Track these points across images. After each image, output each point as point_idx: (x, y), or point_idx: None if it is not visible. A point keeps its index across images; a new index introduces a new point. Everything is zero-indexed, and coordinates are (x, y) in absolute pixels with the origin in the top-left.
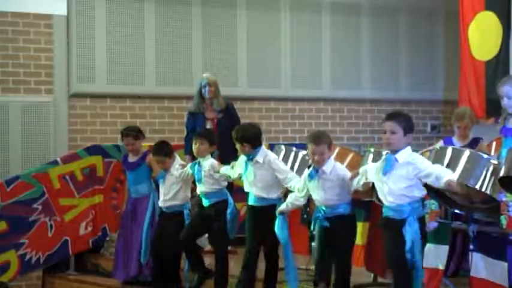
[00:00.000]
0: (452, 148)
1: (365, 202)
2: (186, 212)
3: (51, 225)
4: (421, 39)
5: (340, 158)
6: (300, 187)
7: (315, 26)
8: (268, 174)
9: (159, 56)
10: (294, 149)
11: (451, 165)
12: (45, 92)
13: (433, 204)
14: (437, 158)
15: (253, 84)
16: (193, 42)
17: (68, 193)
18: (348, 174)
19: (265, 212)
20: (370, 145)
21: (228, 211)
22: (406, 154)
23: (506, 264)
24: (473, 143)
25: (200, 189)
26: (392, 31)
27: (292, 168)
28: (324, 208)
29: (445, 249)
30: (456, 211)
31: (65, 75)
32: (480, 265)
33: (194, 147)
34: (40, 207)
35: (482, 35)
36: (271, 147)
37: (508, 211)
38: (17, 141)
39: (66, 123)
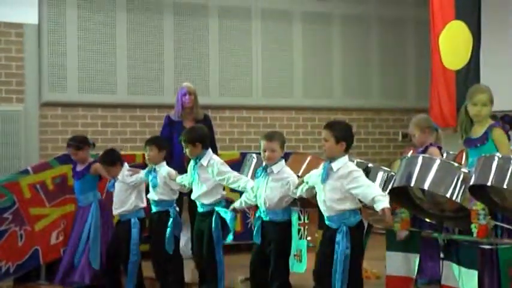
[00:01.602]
0: (423, 157)
1: None
2: (133, 220)
3: (21, 235)
4: (392, 48)
5: (312, 167)
6: (253, 187)
7: (287, 35)
8: (210, 178)
9: (131, 65)
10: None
11: (422, 174)
12: (16, 101)
13: (403, 213)
14: (408, 167)
15: (225, 93)
16: (165, 51)
17: (38, 202)
18: (295, 180)
19: (206, 216)
20: None
21: (170, 223)
22: (341, 164)
23: (476, 272)
24: (424, 150)
25: (151, 196)
26: (364, 40)
27: None
28: (263, 209)
29: (415, 257)
30: (426, 220)
31: (36, 84)
32: (451, 273)
33: (145, 155)
34: (10, 216)
35: (452, 44)
36: (243, 156)
37: (479, 219)
38: None
39: (37, 132)
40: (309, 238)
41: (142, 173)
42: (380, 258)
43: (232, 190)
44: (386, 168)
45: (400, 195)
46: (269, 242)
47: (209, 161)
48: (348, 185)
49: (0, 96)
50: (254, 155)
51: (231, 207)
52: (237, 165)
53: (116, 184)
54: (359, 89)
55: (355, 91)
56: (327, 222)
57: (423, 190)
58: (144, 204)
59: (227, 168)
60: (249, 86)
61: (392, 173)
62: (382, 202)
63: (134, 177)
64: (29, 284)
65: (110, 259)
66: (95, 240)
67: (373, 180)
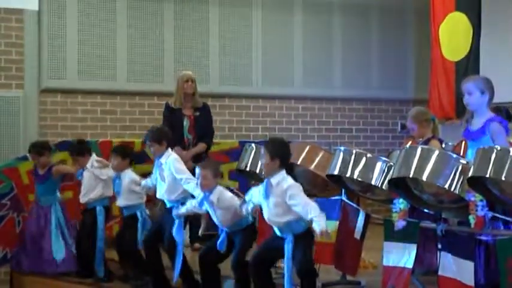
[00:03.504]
0: (422, 147)
1: (335, 200)
2: (98, 208)
3: (19, 221)
4: (392, 38)
5: (311, 157)
6: (198, 198)
7: (287, 24)
8: (170, 175)
9: (131, 52)
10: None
11: (420, 165)
12: (16, 87)
13: (401, 203)
14: (406, 157)
15: (225, 82)
16: (165, 38)
17: None
18: (235, 203)
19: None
20: (340, 144)
21: (138, 226)
22: (279, 179)
23: (473, 264)
24: (425, 142)
25: (118, 203)
26: (364, 30)
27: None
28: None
29: (413, 247)
30: (425, 210)
31: (36, 70)
32: (448, 264)
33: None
34: (9, 202)
35: (452, 35)
36: (242, 145)
37: (476, 211)
38: None
39: (37, 119)
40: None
41: (111, 168)
42: (377, 248)
43: (231, 178)
44: (385, 159)
45: (398, 185)
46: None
47: (167, 158)
48: (288, 201)
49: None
50: (253, 144)
51: (176, 213)
52: (236, 153)
53: (84, 173)
54: (359, 79)
55: (354, 81)
56: (276, 232)
57: (422, 181)
58: (111, 194)
59: (183, 166)
60: (249, 75)
61: (391, 164)
62: (319, 224)
63: (104, 173)
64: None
65: (79, 245)
66: (57, 237)
67: (372, 170)
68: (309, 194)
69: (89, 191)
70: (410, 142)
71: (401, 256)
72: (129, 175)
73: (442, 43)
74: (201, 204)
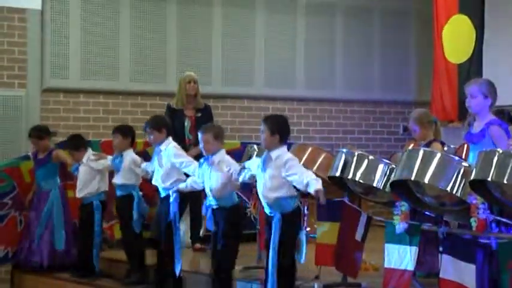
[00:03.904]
0: (424, 150)
1: (336, 202)
2: (95, 203)
3: (20, 220)
4: (394, 40)
5: (313, 158)
6: (198, 174)
7: (289, 26)
8: (168, 161)
9: (134, 52)
10: None
11: (422, 167)
12: (18, 86)
13: (403, 206)
14: (408, 160)
15: (227, 82)
16: (168, 39)
17: None
18: (235, 166)
19: (165, 200)
20: (342, 145)
21: (134, 205)
22: (279, 153)
23: (474, 267)
24: (427, 145)
25: (115, 180)
26: (366, 32)
27: None
28: (210, 198)
29: (414, 250)
30: (426, 213)
31: (39, 70)
32: (449, 267)
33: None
34: (10, 201)
35: (455, 38)
36: (244, 146)
37: (478, 214)
38: None
39: (39, 118)
40: (308, 229)
41: (108, 160)
42: (379, 250)
43: None
44: (387, 161)
45: (400, 188)
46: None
47: (167, 146)
48: (285, 172)
49: (2, 81)
50: (255, 146)
51: (176, 187)
52: (237, 154)
53: (80, 167)
54: (361, 81)
55: (356, 83)
56: (265, 210)
57: (423, 183)
58: (106, 188)
59: (182, 152)
60: (251, 76)
61: (393, 166)
62: (315, 185)
63: (101, 163)
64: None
65: (80, 241)
66: (58, 222)
67: (374, 172)
68: (312, 197)
69: (85, 186)
70: (412, 144)
71: (403, 258)
72: (130, 155)
73: (445, 45)
74: (200, 165)
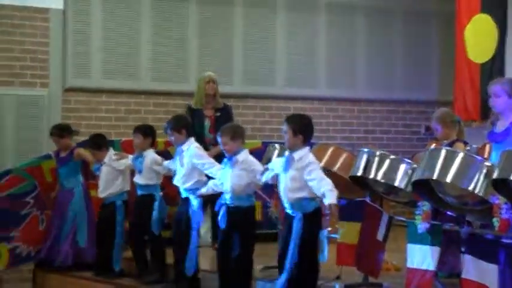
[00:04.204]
0: (446, 149)
1: (358, 202)
2: (118, 203)
3: (42, 219)
4: (416, 40)
5: (334, 158)
6: (220, 175)
7: (311, 26)
8: (190, 162)
9: (156, 51)
10: None
11: (444, 167)
12: (40, 86)
13: (424, 206)
14: (430, 159)
15: (248, 82)
16: (190, 38)
17: None
18: (259, 168)
19: (185, 201)
20: (363, 145)
21: (154, 207)
22: (302, 154)
23: (496, 267)
24: (450, 145)
25: (137, 180)
26: (388, 32)
27: None
28: (228, 196)
29: (436, 250)
30: (448, 213)
31: (61, 69)
32: (471, 267)
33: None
34: (32, 200)
35: (478, 37)
36: (265, 145)
37: (501, 214)
38: (11, 135)
39: (60, 118)
40: (329, 229)
41: (129, 159)
42: (400, 251)
43: None
44: (408, 161)
45: (422, 187)
46: (234, 227)
47: (189, 146)
48: (306, 175)
49: (24, 80)
50: (276, 145)
51: (198, 193)
52: (259, 154)
53: (103, 167)
54: (382, 80)
55: (378, 83)
56: (286, 210)
57: (445, 183)
58: (129, 188)
59: (204, 153)
60: (273, 76)
61: (415, 166)
62: (329, 198)
63: (122, 163)
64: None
65: (99, 240)
66: (82, 221)
67: (395, 172)
68: None
69: (108, 186)
70: (434, 144)
71: (424, 258)
72: (151, 154)
73: (468, 45)
74: (224, 164)
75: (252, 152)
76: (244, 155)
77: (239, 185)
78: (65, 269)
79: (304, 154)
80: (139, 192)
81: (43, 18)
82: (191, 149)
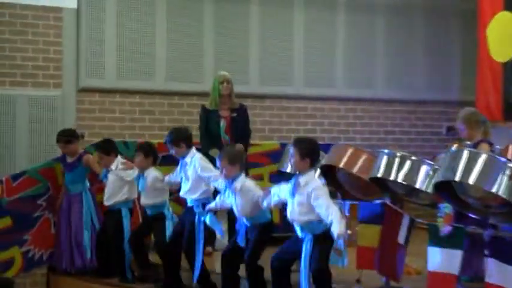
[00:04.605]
0: (469, 150)
1: (378, 204)
2: (124, 211)
3: (54, 222)
4: (437, 38)
5: (353, 159)
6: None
7: (330, 24)
8: (194, 173)
9: (170, 51)
10: None
11: (467, 168)
12: (54, 86)
13: (447, 208)
14: (453, 160)
15: (265, 82)
16: (205, 38)
17: None
18: (258, 193)
19: (191, 210)
20: (383, 146)
21: (167, 224)
22: (308, 179)
23: None
24: (474, 145)
25: (143, 201)
26: (408, 30)
27: None
28: (244, 220)
29: (458, 254)
30: (471, 215)
31: (74, 69)
32: (495, 271)
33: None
34: (44, 203)
35: (500, 35)
36: (283, 146)
37: None
38: (24, 136)
39: (74, 118)
40: (349, 232)
41: (136, 170)
42: (422, 254)
43: (272, 181)
44: (430, 162)
45: (444, 189)
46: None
47: (192, 158)
48: (313, 201)
49: (37, 81)
50: None
51: (207, 208)
52: (276, 155)
53: (109, 175)
54: (402, 80)
55: (398, 82)
56: (297, 232)
57: (468, 185)
58: (135, 196)
59: (209, 165)
60: (290, 75)
61: (436, 167)
62: (337, 228)
63: (130, 174)
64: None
65: (100, 247)
66: (88, 226)
67: (416, 174)
68: (352, 198)
69: (114, 194)
70: (456, 145)
71: (447, 262)
72: (152, 173)
73: (490, 43)
74: (224, 192)
75: (269, 153)
76: (241, 182)
77: (245, 210)
78: (74, 273)
79: (310, 179)
80: (148, 212)
81: (56, 17)
82: (194, 160)
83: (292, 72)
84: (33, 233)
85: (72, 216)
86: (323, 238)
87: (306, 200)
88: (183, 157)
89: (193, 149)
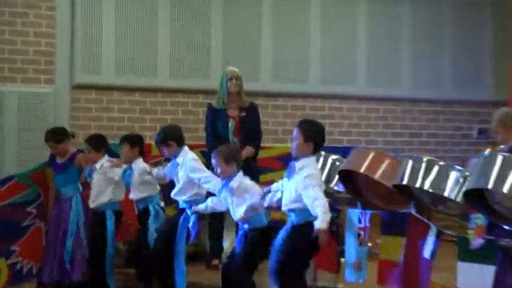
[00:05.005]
0: (503, 156)
1: (402, 214)
2: (108, 213)
3: (46, 231)
4: (468, 32)
5: (375, 164)
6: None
7: (349, 16)
8: (185, 175)
9: (174, 45)
10: (323, 153)
11: (501, 175)
12: (45, 82)
13: (478, 219)
14: (485, 166)
15: (278, 79)
16: (212, 29)
17: None
18: (257, 190)
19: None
20: (408, 150)
21: (150, 220)
22: (303, 164)
23: None
24: (510, 150)
25: (131, 197)
26: (436, 23)
27: (321, 173)
28: (243, 224)
29: (491, 269)
30: (505, 227)
31: (68, 64)
32: None
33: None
34: (34, 210)
35: None
36: None
37: None
38: (13, 137)
39: (68, 118)
40: (369, 244)
41: (123, 168)
42: (450, 269)
43: None
44: (460, 168)
45: (475, 198)
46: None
47: (184, 157)
48: (302, 190)
49: (27, 76)
50: (322, 152)
51: (193, 209)
52: (290, 159)
53: (95, 175)
54: (430, 77)
55: (425, 80)
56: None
57: (502, 193)
58: (121, 198)
59: (200, 166)
60: (306, 72)
61: (467, 173)
62: (318, 222)
63: (117, 172)
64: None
65: (90, 252)
66: (77, 234)
67: (445, 181)
68: (373, 207)
69: (99, 195)
70: (489, 149)
71: (478, 279)
72: (140, 165)
73: None
74: (219, 192)
75: (282, 157)
76: (237, 182)
77: (240, 213)
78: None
79: (307, 164)
80: (139, 208)
81: (48, 6)
82: (186, 160)
83: (308, 68)
84: (22, 243)
85: (63, 223)
86: (300, 228)
87: (296, 186)
88: (175, 157)
89: (186, 148)
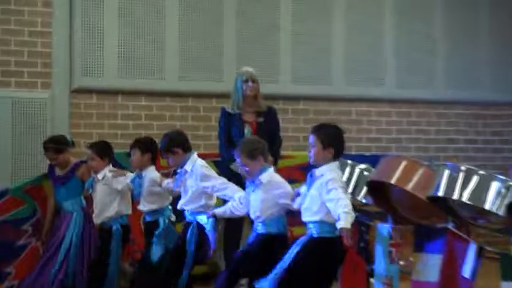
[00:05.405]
0: None
1: (439, 229)
2: (115, 227)
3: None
4: (506, 29)
5: (407, 174)
6: (242, 198)
7: (377, 13)
8: (195, 184)
9: (184, 44)
10: (349, 162)
11: None
12: (42, 87)
13: None
14: None
15: (298, 81)
16: (226, 26)
17: None
18: (287, 190)
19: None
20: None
21: (156, 232)
22: (324, 170)
23: None
24: None
25: (140, 208)
26: (472, 19)
27: (347, 185)
28: (258, 224)
29: None
30: None
31: (67, 66)
32: None
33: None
34: (31, 228)
35: None
36: None
37: None
38: (7, 146)
39: (67, 125)
40: (401, 262)
41: (129, 177)
42: None
43: None
44: (502, 177)
45: None
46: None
47: (193, 165)
48: (325, 195)
49: (21, 80)
50: (348, 160)
51: (211, 212)
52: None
53: (98, 187)
54: (466, 78)
55: (461, 81)
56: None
57: None
58: (129, 211)
59: (212, 173)
60: (329, 72)
61: (510, 183)
62: (342, 220)
63: (120, 181)
64: None
65: (93, 268)
66: (74, 251)
67: (486, 192)
68: (406, 222)
69: (104, 209)
70: None
71: None
72: (150, 173)
73: None
74: (246, 187)
75: (304, 167)
76: (269, 176)
77: (263, 210)
78: None
79: (328, 170)
80: (146, 219)
81: (45, 2)
82: (196, 169)
83: (331, 69)
84: (18, 264)
85: (60, 237)
86: (317, 242)
87: (318, 193)
88: (182, 165)
89: (195, 155)
